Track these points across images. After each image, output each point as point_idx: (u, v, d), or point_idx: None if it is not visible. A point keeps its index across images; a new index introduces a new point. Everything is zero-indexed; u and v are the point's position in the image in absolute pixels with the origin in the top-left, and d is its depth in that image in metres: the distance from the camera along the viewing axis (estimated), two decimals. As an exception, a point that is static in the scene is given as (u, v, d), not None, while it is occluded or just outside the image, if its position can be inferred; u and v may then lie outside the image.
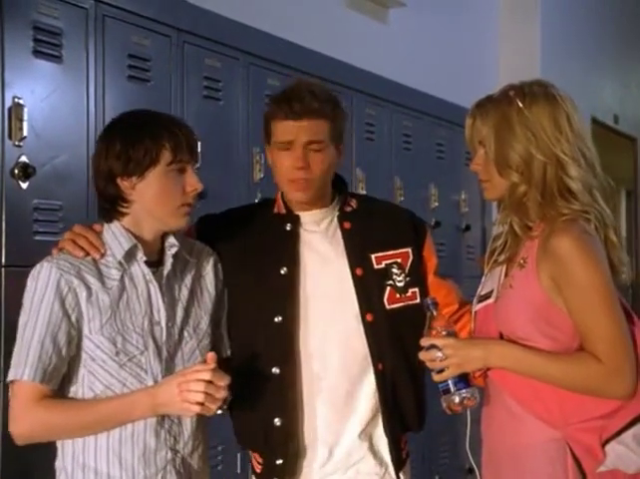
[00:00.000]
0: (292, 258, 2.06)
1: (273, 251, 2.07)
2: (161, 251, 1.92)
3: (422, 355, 1.89)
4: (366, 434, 2.07)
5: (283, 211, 2.11)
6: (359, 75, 3.87)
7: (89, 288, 1.81)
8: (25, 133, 2.36)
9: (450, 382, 1.86)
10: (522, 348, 1.84)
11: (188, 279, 1.96)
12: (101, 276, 1.84)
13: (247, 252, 2.09)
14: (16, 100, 2.34)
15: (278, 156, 2.03)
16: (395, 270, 2.09)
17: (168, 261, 1.90)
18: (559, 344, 1.84)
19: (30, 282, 1.82)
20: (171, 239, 1.91)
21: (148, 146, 1.83)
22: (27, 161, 2.36)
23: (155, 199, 1.86)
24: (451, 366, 1.84)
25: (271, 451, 2.05)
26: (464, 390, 1.85)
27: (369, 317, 2.04)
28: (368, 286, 2.06)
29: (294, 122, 1.99)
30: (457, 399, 1.85)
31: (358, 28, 4.14)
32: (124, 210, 1.87)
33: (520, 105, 1.86)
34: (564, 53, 5.66)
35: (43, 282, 1.80)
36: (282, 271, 2.05)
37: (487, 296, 1.96)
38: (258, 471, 2.09)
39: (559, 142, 1.86)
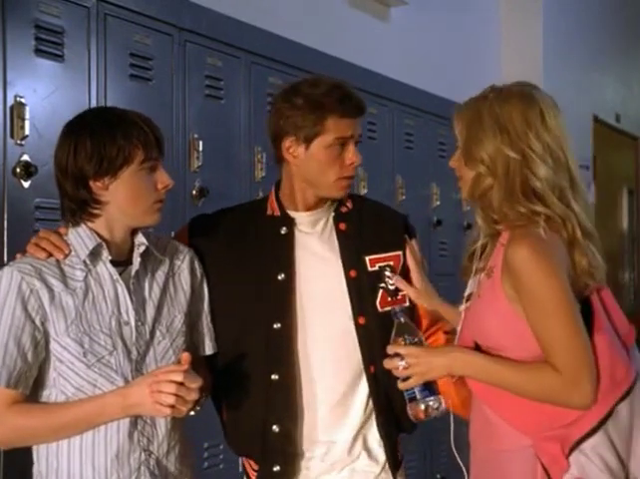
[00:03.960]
0: (289, 263, 2.05)
1: (269, 256, 2.05)
2: (132, 251, 1.89)
3: (385, 363, 1.89)
4: (360, 435, 2.08)
5: (277, 213, 2.09)
6: (360, 73, 3.87)
7: (51, 291, 1.78)
8: (27, 132, 2.36)
9: (416, 390, 1.86)
10: (485, 357, 1.83)
11: (161, 278, 1.92)
12: (64, 278, 1.80)
13: (242, 256, 2.07)
14: (18, 99, 2.35)
15: (328, 152, 2.01)
16: (387, 273, 2.08)
17: (136, 261, 1.87)
18: (530, 354, 1.81)
19: None
20: (140, 238, 1.88)
21: (120, 144, 1.78)
22: (29, 159, 2.36)
23: (128, 198, 1.82)
24: (414, 375, 1.85)
25: (268, 458, 2.03)
26: (429, 398, 1.86)
27: (361, 320, 2.04)
28: (361, 289, 2.05)
29: (353, 119, 2.02)
30: (422, 407, 1.86)
31: (359, 26, 4.13)
32: (95, 211, 1.83)
33: (493, 100, 1.86)
34: (566, 52, 5.65)
35: (5, 287, 1.77)
36: (280, 277, 2.03)
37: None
38: (253, 478, 2.08)
39: (527, 137, 1.83)
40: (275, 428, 2.01)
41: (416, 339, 1.89)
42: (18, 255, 1.86)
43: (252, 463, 2.08)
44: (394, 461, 2.09)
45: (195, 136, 2.95)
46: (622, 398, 1.80)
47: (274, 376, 2.01)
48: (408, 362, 1.85)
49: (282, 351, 2.02)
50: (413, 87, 4.26)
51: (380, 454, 2.08)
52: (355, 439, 2.07)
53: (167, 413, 1.73)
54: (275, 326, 2.02)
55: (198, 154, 2.95)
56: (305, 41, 3.53)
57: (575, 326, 1.77)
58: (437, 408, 1.87)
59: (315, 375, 2.04)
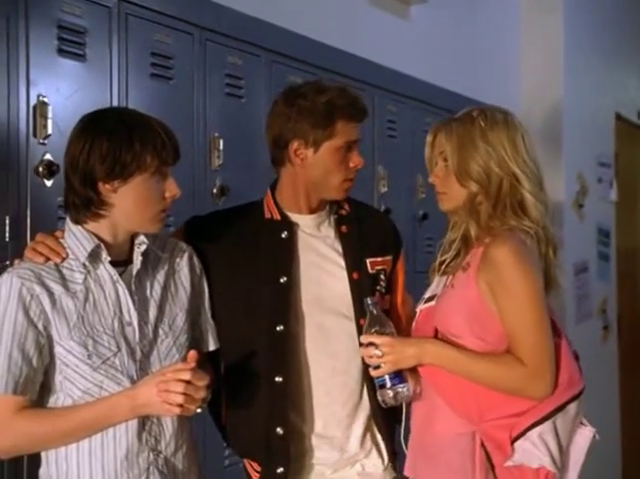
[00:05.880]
0: (290, 266, 2.06)
1: (270, 260, 2.06)
2: (131, 250, 1.87)
3: (361, 351, 2.00)
4: (369, 429, 2.12)
5: (277, 216, 2.10)
6: (380, 72, 3.87)
7: (52, 295, 1.77)
8: (49, 131, 2.37)
9: (386, 378, 1.97)
10: (454, 349, 1.96)
11: (161, 276, 1.91)
12: (64, 281, 1.79)
13: (241, 260, 2.07)
14: (41, 98, 2.36)
15: (336, 155, 2.05)
16: (382, 276, 2.14)
17: (137, 260, 1.85)
18: (487, 345, 1.96)
19: None
20: (141, 237, 1.86)
21: (137, 151, 1.76)
22: (51, 159, 2.37)
23: (135, 205, 1.81)
24: (387, 363, 1.96)
25: (272, 460, 2.04)
26: (398, 386, 1.98)
27: (362, 322, 2.06)
28: (363, 291, 2.08)
29: (359, 123, 2.07)
30: (391, 394, 1.98)
31: (379, 25, 4.13)
32: (101, 212, 1.81)
33: (483, 124, 2.00)
34: (588, 48, 5.61)
35: (5, 293, 1.75)
36: (282, 280, 2.05)
37: (431, 299, 2.07)
38: None
39: (517, 160, 2.00)
40: (279, 430, 2.03)
41: (388, 330, 1.99)
42: (17, 261, 1.85)
43: (255, 465, 2.10)
44: (393, 452, 2.15)
45: (216, 134, 2.96)
46: (574, 398, 1.96)
47: (278, 379, 2.02)
48: (382, 351, 1.95)
49: (286, 354, 2.04)
50: (433, 85, 4.25)
51: (383, 447, 2.14)
52: (365, 432, 2.11)
53: (177, 412, 1.73)
54: (278, 329, 2.03)
55: (219, 152, 2.96)
56: (325, 39, 3.53)
57: (544, 324, 1.93)
58: (405, 394, 1.98)
59: (323, 375, 2.07)
